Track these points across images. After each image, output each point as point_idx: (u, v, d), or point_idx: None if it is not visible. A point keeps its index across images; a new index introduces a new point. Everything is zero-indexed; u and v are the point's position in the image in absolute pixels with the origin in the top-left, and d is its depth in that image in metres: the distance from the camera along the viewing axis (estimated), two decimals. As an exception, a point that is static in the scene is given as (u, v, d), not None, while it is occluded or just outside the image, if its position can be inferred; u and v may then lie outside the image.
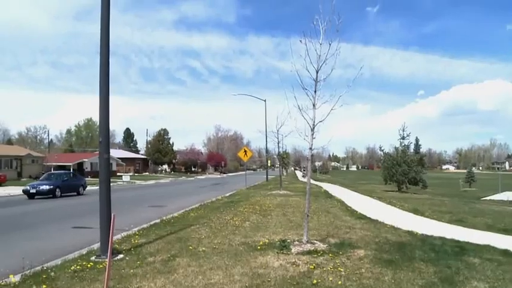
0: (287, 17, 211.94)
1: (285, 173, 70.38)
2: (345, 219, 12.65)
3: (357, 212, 15.01)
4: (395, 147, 37.34)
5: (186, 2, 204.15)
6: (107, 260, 5.18)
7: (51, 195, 25.87)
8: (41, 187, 25.92)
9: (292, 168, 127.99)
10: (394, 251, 7.77)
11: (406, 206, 17.87)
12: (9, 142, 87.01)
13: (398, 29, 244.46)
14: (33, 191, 25.70)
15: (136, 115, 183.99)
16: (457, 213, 15.37)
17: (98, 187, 8.33)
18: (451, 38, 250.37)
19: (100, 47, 7.99)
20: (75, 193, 28.65)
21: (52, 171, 33.56)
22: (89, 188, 30.99)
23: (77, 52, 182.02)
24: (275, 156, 54.58)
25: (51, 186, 26.24)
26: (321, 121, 8.21)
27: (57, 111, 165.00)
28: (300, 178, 67.66)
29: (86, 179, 34.29)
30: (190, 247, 8.24)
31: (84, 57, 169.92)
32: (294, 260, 6.96)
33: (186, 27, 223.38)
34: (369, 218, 12.93)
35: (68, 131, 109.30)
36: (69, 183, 28.60)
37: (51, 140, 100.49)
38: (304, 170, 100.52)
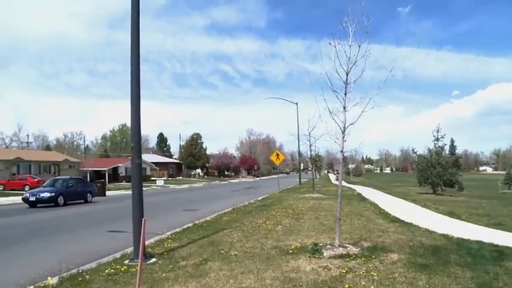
0: (318, 19, 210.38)
1: (317, 176, 70.01)
2: (378, 223, 12.46)
3: (390, 215, 14.77)
4: (428, 149, 36.49)
5: (217, 8, 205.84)
6: (139, 263, 5.26)
7: (52, 204, 23.70)
8: (41, 194, 23.78)
9: (326, 171, 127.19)
10: (428, 255, 7.58)
11: (441, 208, 17.45)
12: (48, 148, 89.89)
13: (431, 28, 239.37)
14: (32, 198, 23.63)
15: (169, 120, 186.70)
16: (495, 216, 14.91)
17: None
18: (486, 36, 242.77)
19: (131, 53, 8.12)
20: (82, 201, 26.58)
21: (56, 177, 31.65)
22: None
23: (111, 59, 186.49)
24: (308, 160, 54.31)
25: (53, 194, 23.97)
26: (351, 124, 8.14)
27: (93, 118, 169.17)
28: (333, 181, 67.15)
29: (121, 183, 34.41)
30: (222, 251, 8.28)
31: (119, 64, 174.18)
32: (326, 264, 6.90)
33: (217, 32, 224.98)
34: (403, 221, 12.70)
35: (103, 137, 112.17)
36: (74, 189, 26.44)
37: (87, 145, 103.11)
38: (337, 173, 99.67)
